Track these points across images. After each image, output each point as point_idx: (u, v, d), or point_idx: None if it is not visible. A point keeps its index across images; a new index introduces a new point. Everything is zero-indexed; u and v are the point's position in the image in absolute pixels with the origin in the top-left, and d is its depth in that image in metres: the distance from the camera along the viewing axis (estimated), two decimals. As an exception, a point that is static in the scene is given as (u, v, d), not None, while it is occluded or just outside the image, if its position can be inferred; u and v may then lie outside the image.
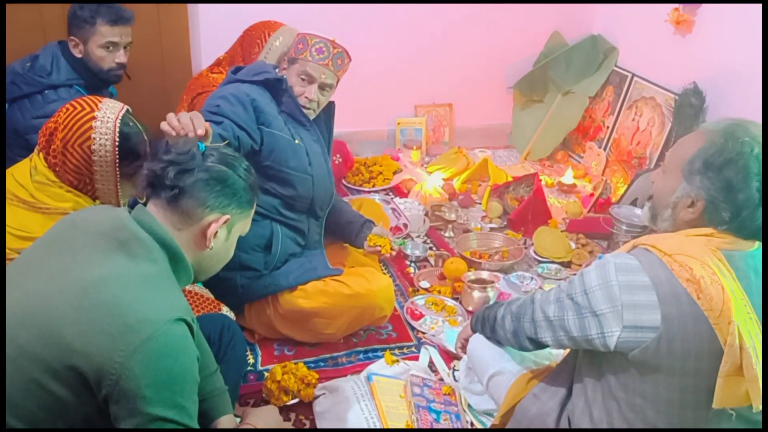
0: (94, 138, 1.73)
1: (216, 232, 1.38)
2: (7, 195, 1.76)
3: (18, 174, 1.79)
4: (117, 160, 1.76)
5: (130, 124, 1.79)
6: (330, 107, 2.40)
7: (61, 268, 1.26)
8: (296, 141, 2.22)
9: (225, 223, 1.39)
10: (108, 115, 1.75)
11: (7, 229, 1.71)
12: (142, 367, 1.16)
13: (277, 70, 2.27)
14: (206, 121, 1.72)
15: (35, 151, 1.82)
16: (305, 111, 2.24)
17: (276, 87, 2.20)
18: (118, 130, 1.75)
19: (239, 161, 1.43)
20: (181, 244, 1.36)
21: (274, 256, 2.25)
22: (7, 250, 1.70)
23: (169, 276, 1.33)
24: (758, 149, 1.33)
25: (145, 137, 1.82)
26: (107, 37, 2.46)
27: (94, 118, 1.74)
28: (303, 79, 2.20)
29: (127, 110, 1.81)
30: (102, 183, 1.78)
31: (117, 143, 1.75)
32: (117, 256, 1.27)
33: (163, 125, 1.60)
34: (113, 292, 1.21)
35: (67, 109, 1.77)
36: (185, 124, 1.60)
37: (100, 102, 1.78)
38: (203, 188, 1.35)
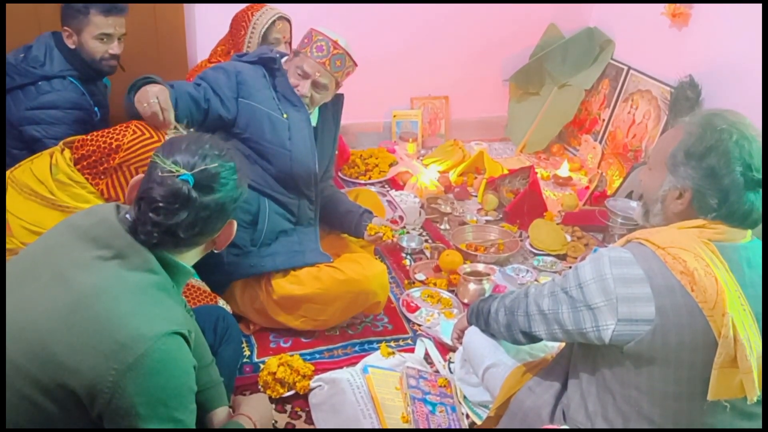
0: None
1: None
2: (25, 190, 1.76)
3: (37, 169, 1.78)
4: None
5: None
6: (338, 99, 2.43)
7: (54, 276, 1.22)
8: (284, 116, 2.24)
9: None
10: None
11: (23, 223, 1.71)
12: (136, 385, 1.14)
13: (277, 53, 2.32)
14: (191, 83, 2.02)
15: (59, 146, 1.81)
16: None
17: (269, 65, 2.26)
18: None
19: (224, 166, 1.29)
20: (182, 257, 1.33)
21: (260, 232, 2.24)
22: (19, 244, 1.70)
23: (164, 285, 1.27)
24: (737, 135, 1.36)
25: None
26: (101, 28, 2.43)
27: None
28: (299, 74, 2.23)
29: None
30: None
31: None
32: (111, 264, 1.22)
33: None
34: (105, 305, 1.17)
35: (134, 132, 1.81)
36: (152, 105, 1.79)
37: (165, 134, 1.83)
38: (205, 223, 1.28)
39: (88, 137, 1.83)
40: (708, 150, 1.37)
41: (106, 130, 1.83)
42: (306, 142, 2.28)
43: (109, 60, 2.50)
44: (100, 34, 2.45)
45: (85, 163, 1.77)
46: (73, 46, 2.46)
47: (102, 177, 1.76)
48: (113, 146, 1.76)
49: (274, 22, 2.75)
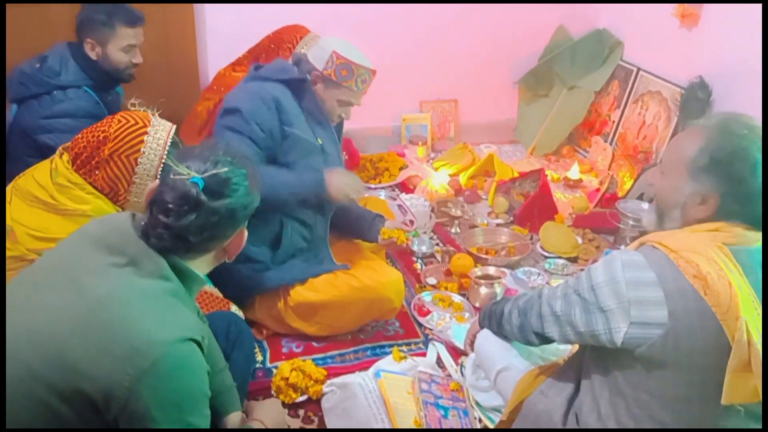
0: (143, 152, 1.76)
1: None
2: (27, 196, 1.77)
3: (38, 175, 1.80)
4: (158, 178, 1.76)
5: (180, 145, 1.81)
6: None
7: (69, 283, 1.23)
8: (318, 141, 2.24)
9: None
10: (160, 132, 1.78)
11: (26, 230, 1.73)
12: (151, 390, 1.15)
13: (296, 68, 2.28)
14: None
15: (58, 152, 1.83)
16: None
17: (298, 86, 2.21)
18: (167, 149, 1.77)
19: (235, 172, 1.31)
20: (194, 264, 1.34)
21: (282, 251, 2.26)
22: (25, 251, 1.72)
23: (177, 292, 1.29)
24: (758, 140, 1.37)
25: None
26: (127, 39, 2.49)
27: (146, 133, 1.76)
28: (340, 101, 2.25)
29: (176, 130, 1.83)
30: (137, 196, 1.79)
31: (163, 161, 1.76)
32: (125, 271, 1.24)
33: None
34: (120, 311, 1.19)
35: (119, 121, 1.79)
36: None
37: (151, 119, 1.81)
38: (215, 228, 1.29)
39: (79, 135, 1.83)
40: (733, 156, 1.36)
41: (94, 125, 1.83)
42: (336, 163, 2.31)
43: (130, 68, 2.57)
44: (127, 46, 2.49)
45: (79, 162, 1.78)
46: (95, 58, 2.49)
47: (96, 171, 1.77)
48: (101, 138, 1.76)
49: None
